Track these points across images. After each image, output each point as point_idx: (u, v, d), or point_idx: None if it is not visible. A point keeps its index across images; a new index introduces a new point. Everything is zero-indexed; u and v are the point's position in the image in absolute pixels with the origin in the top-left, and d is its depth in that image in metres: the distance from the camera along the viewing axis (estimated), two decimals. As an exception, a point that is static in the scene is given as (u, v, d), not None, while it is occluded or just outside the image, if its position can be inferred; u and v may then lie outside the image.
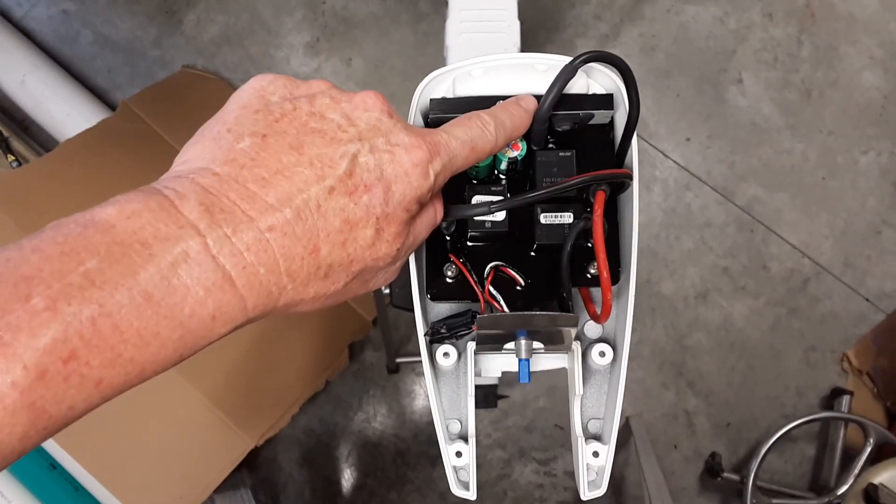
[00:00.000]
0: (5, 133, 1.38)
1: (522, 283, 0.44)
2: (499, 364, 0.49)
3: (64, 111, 1.43)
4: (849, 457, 1.41)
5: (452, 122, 0.36)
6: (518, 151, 0.41)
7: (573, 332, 0.43)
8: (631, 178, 0.41)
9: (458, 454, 0.46)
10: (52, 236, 0.25)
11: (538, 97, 0.40)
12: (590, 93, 0.42)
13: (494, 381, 1.20)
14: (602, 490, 0.45)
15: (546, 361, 0.48)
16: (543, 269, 0.44)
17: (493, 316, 0.41)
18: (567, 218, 0.41)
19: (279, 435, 1.20)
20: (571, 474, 1.50)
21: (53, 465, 1.02)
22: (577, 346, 0.45)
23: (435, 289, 0.44)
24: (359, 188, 0.30)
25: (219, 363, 1.11)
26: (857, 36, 1.55)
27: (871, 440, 1.36)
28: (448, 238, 0.44)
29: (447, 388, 0.48)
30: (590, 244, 0.43)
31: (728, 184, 1.53)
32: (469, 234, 0.43)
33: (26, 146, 1.43)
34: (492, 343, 0.45)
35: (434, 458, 1.49)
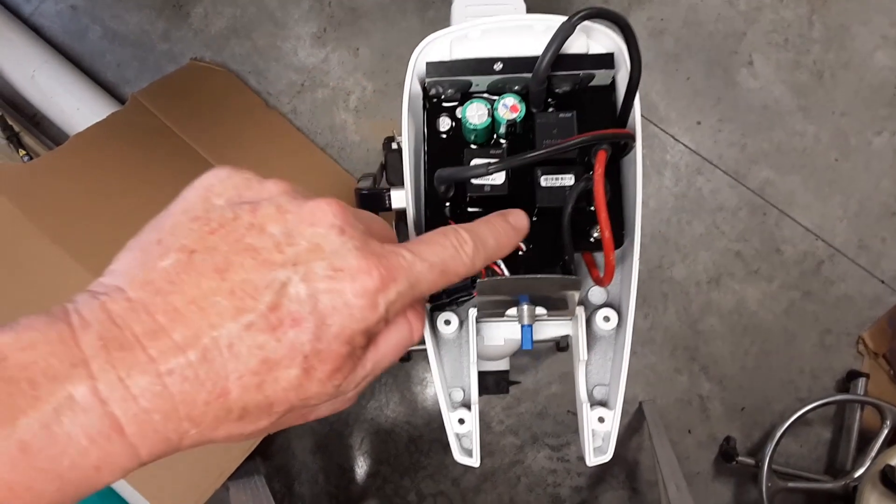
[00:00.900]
0: (16, 128, 1.39)
1: (524, 248, 0.43)
2: (501, 331, 0.48)
3: (73, 105, 1.44)
4: (865, 439, 1.39)
5: (424, 238, 0.32)
6: (516, 113, 0.41)
7: (576, 296, 0.42)
8: (634, 139, 0.40)
9: (461, 421, 0.46)
10: None
11: (535, 58, 0.40)
12: (590, 53, 0.41)
13: (506, 367, 1.20)
14: (608, 456, 0.45)
15: (549, 329, 0.48)
16: (545, 235, 0.44)
17: (494, 280, 0.41)
18: (568, 180, 0.41)
19: (291, 422, 1.21)
20: (584, 460, 1.50)
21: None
22: (580, 312, 0.45)
23: None
24: (284, 323, 0.27)
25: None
26: (870, 15, 1.53)
27: (888, 422, 1.34)
28: (447, 203, 0.44)
29: (449, 357, 0.48)
30: (592, 207, 0.42)
31: (740, 167, 1.52)
32: (468, 197, 0.42)
33: (37, 141, 1.44)
34: (493, 309, 0.45)
35: (447, 444, 1.49)
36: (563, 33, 0.37)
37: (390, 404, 1.50)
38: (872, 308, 1.49)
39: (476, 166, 0.38)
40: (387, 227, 0.34)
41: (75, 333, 0.25)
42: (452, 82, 0.42)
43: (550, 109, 0.42)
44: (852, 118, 1.52)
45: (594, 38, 0.42)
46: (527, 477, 1.50)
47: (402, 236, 0.93)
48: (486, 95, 0.43)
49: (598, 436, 0.44)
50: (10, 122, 1.37)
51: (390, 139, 1.02)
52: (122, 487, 1.02)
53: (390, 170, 1.05)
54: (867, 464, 1.32)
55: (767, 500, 1.33)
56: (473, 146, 0.43)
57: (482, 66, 0.41)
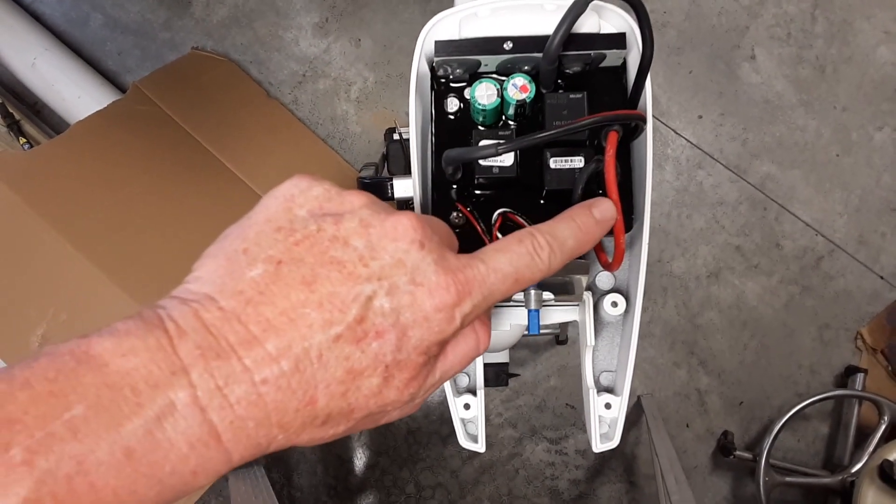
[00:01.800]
0: (17, 116, 1.38)
1: (531, 231, 0.43)
2: (508, 317, 0.48)
3: (74, 94, 1.43)
4: (863, 435, 1.40)
5: (499, 245, 0.32)
6: (526, 94, 0.40)
7: (584, 280, 0.42)
8: (645, 120, 0.40)
9: (467, 406, 0.46)
10: (45, 371, 0.24)
11: (546, 38, 0.39)
12: (601, 32, 0.41)
13: (505, 360, 1.20)
14: (614, 443, 0.44)
15: (556, 314, 0.48)
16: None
17: (502, 262, 0.41)
18: (578, 162, 0.40)
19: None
20: (583, 453, 1.50)
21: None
22: (588, 297, 0.44)
23: None
24: (368, 335, 0.28)
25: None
26: (872, 10, 1.53)
27: (886, 418, 1.34)
28: (454, 185, 0.43)
29: (456, 342, 0.47)
30: (601, 190, 0.42)
31: (741, 162, 1.52)
32: (476, 179, 0.42)
33: (37, 129, 1.44)
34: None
35: (445, 436, 1.49)
36: (575, 11, 0.37)
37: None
38: (871, 303, 1.49)
39: (485, 146, 0.38)
40: (448, 230, 0.34)
41: (173, 341, 0.26)
42: (461, 62, 0.42)
43: (560, 90, 0.42)
44: (854, 113, 1.52)
45: (606, 18, 0.42)
46: (525, 469, 1.51)
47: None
48: (494, 76, 0.43)
49: (605, 422, 0.44)
50: (11, 110, 1.36)
51: (392, 130, 1.02)
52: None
53: (392, 160, 1.05)
54: (865, 459, 1.32)
55: (765, 494, 1.34)
56: (482, 128, 0.42)
57: (491, 45, 0.40)
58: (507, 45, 0.41)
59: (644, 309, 1.50)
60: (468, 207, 0.43)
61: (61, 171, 1.15)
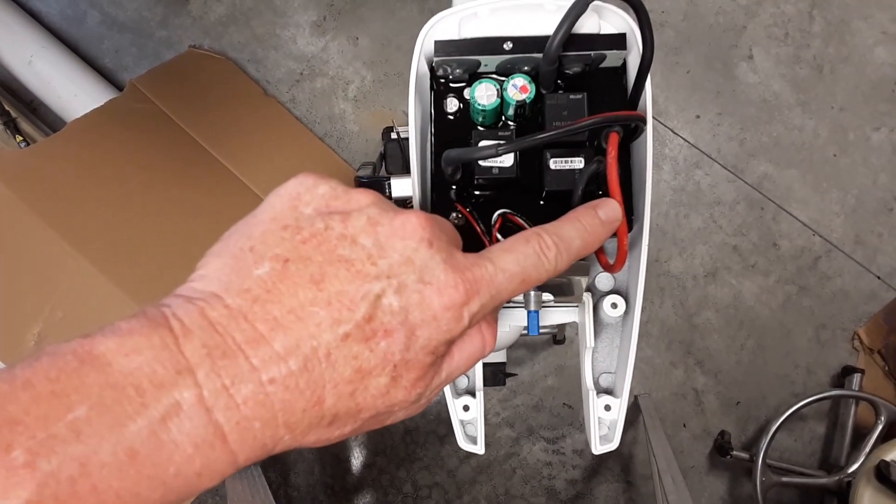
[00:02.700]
0: (13, 114, 1.38)
1: (531, 232, 0.43)
2: (507, 318, 0.48)
3: (71, 91, 1.43)
4: (859, 435, 1.40)
5: (505, 245, 0.32)
6: (526, 94, 0.40)
7: (584, 281, 0.42)
8: (645, 121, 0.40)
9: (466, 408, 0.46)
10: (46, 371, 0.23)
11: (546, 38, 0.39)
12: (601, 33, 0.41)
13: (502, 360, 1.20)
14: (614, 444, 0.44)
15: (556, 315, 0.47)
16: (552, 219, 0.43)
17: (502, 263, 0.40)
18: (578, 163, 0.40)
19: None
20: (580, 453, 1.50)
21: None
22: (588, 298, 0.44)
23: None
24: (377, 333, 0.28)
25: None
26: (870, 11, 1.53)
27: (883, 418, 1.35)
28: (453, 186, 0.43)
29: (455, 343, 0.47)
30: (601, 192, 0.42)
31: (738, 161, 1.52)
32: (475, 180, 0.42)
33: (34, 127, 1.43)
34: (501, 294, 0.44)
35: (442, 436, 1.49)
36: (575, 12, 0.37)
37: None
38: (868, 304, 1.49)
39: (485, 147, 0.37)
40: (454, 230, 0.34)
41: (178, 340, 0.25)
42: (461, 62, 0.41)
43: (560, 91, 0.42)
44: (851, 113, 1.52)
45: (606, 19, 0.42)
46: (522, 469, 1.51)
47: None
48: (494, 76, 0.43)
49: (604, 424, 0.44)
50: (7, 108, 1.36)
51: (389, 129, 1.02)
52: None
53: (390, 159, 1.04)
54: (861, 459, 1.33)
55: (761, 494, 1.34)
56: (481, 128, 0.42)
57: (491, 45, 0.40)
58: (507, 46, 0.41)
59: (641, 309, 1.50)
60: (467, 208, 0.43)
61: (58, 168, 1.14)
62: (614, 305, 0.45)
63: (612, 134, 0.38)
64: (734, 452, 1.41)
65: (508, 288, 0.31)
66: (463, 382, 0.47)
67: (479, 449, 0.44)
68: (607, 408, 0.43)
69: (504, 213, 0.43)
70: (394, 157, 1.02)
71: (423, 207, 0.45)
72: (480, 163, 0.41)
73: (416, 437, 1.50)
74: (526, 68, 0.42)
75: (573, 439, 1.50)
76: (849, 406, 1.44)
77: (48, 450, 0.22)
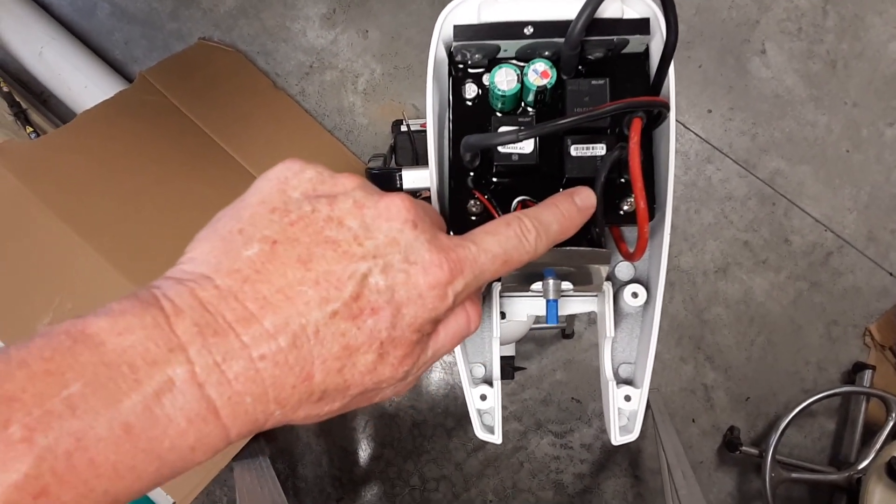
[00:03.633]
0: (23, 105, 1.38)
1: (551, 220, 0.42)
2: (525, 307, 0.47)
3: (81, 83, 1.43)
4: (870, 432, 1.39)
5: (487, 227, 0.33)
6: (547, 79, 0.40)
7: (604, 270, 0.42)
8: (668, 108, 0.39)
9: (483, 397, 0.45)
10: (41, 350, 0.24)
11: (567, 23, 0.38)
12: (624, 17, 0.40)
13: (511, 353, 1.20)
14: (634, 435, 0.44)
15: (575, 305, 0.47)
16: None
17: (522, 251, 0.40)
18: (599, 150, 0.40)
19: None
20: (588, 447, 1.50)
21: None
22: (608, 287, 0.44)
23: (457, 226, 0.43)
24: (364, 311, 0.28)
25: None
26: (884, 6, 1.51)
27: (894, 414, 1.34)
28: (472, 173, 0.43)
29: (471, 332, 0.47)
30: (623, 179, 0.41)
31: (750, 156, 1.51)
32: (494, 167, 0.41)
33: (44, 118, 1.43)
34: (518, 282, 0.44)
35: (450, 429, 1.49)
36: (600, -5, 0.36)
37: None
38: (880, 300, 1.48)
39: (506, 132, 0.37)
40: (438, 214, 0.35)
41: (169, 319, 0.26)
42: (480, 47, 0.41)
43: (581, 76, 0.41)
44: (865, 109, 1.50)
45: (629, 3, 0.41)
46: (530, 463, 1.50)
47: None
48: (514, 61, 0.42)
49: (624, 414, 0.43)
50: (18, 99, 1.36)
51: (399, 122, 1.01)
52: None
53: (400, 152, 1.04)
54: (872, 456, 1.32)
55: (771, 490, 1.33)
56: (500, 114, 0.42)
57: (512, 29, 0.40)
58: (528, 30, 0.40)
59: (651, 304, 1.49)
60: (486, 195, 0.42)
61: (68, 160, 1.14)
62: (635, 295, 0.44)
63: (636, 120, 0.37)
64: (743, 448, 1.40)
65: (491, 268, 0.32)
66: (480, 371, 0.47)
67: (497, 439, 0.44)
68: (627, 398, 0.43)
69: (524, 200, 0.42)
70: (404, 149, 1.02)
71: (440, 195, 0.45)
72: (500, 149, 0.40)
73: (424, 430, 1.50)
74: (546, 53, 0.41)
75: (581, 433, 1.50)
76: (859, 402, 1.43)
77: (45, 425, 0.22)
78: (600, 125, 0.40)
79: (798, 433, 1.48)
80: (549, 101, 0.42)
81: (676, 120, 1.48)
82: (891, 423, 1.34)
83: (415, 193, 0.89)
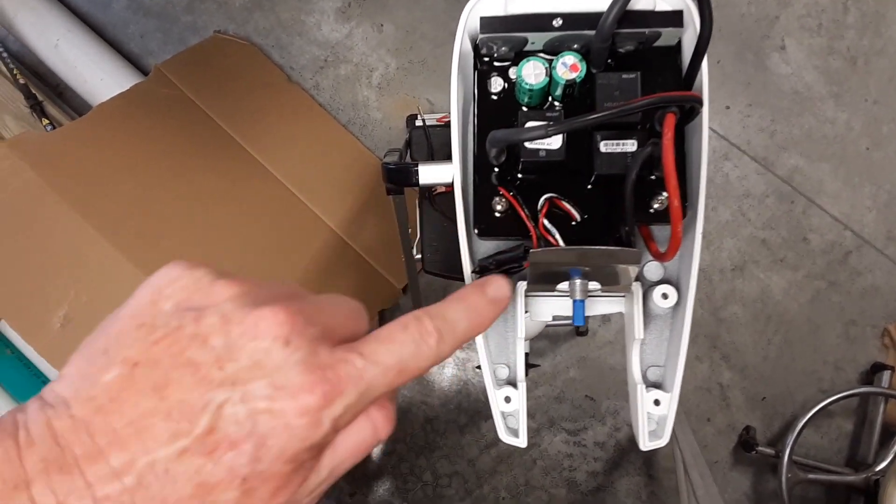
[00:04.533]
0: (39, 97, 1.38)
1: (578, 217, 0.42)
2: (550, 307, 0.46)
3: (97, 76, 1.43)
4: (888, 433, 1.37)
5: (380, 334, 0.30)
6: (577, 73, 0.39)
7: (633, 271, 0.41)
8: (701, 102, 0.38)
9: (507, 399, 0.44)
10: None
11: (600, 14, 0.37)
12: (657, 10, 0.39)
13: (525, 350, 1.19)
14: (664, 441, 0.43)
15: (601, 305, 0.46)
16: (600, 205, 0.42)
17: (549, 250, 0.39)
18: (630, 146, 0.39)
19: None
20: (601, 445, 1.49)
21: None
22: (637, 288, 0.43)
23: (483, 224, 0.42)
24: (220, 446, 0.25)
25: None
26: (907, 1, 1.49)
27: (913, 416, 1.32)
28: (497, 169, 0.42)
29: (495, 332, 0.46)
30: (654, 176, 0.40)
31: (768, 154, 1.49)
32: (521, 163, 0.40)
33: (60, 111, 1.44)
34: (544, 282, 0.43)
35: (462, 425, 1.48)
36: (633, -13, 0.35)
37: (407, 384, 1.49)
38: (900, 300, 1.46)
39: (534, 127, 0.36)
40: (348, 310, 0.31)
41: (21, 452, 0.24)
42: (507, 39, 0.40)
43: (611, 70, 0.40)
44: (885, 106, 1.48)
45: (661, -4, 0.40)
46: (543, 460, 1.49)
47: (426, 217, 0.91)
48: (541, 54, 0.41)
49: (653, 419, 0.42)
50: (34, 91, 1.36)
51: (413, 116, 1.00)
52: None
53: (415, 147, 1.03)
54: (890, 457, 1.30)
55: (787, 491, 1.32)
56: (526, 109, 0.41)
57: (540, 21, 0.39)
58: (557, 22, 0.39)
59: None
60: (511, 192, 0.42)
61: (83, 152, 1.14)
62: (665, 296, 0.43)
63: (669, 115, 0.36)
64: (759, 448, 1.39)
65: (383, 381, 0.29)
66: (504, 373, 0.46)
67: (522, 442, 0.43)
68: (656, 402, 0.42)
69: (551, 197, 0.41)
70: (419, 144, 1.01)
71: (463, 192, 0.44)
72: (527, 145, 0.39)
73: (437, 426, 1.49)
74: (575, 46, 0.40)
75: (595, 431, 1.49)
76: (878, 403, 1.41)
77: None
78: (631, 120, 0.39)
79: (815, 433, 1.47)
80: (577, 96, 0.41)
81: (694, 116, 1.46)
82: (910, 425, 1.32)
83: (431, 189, 0.88)
